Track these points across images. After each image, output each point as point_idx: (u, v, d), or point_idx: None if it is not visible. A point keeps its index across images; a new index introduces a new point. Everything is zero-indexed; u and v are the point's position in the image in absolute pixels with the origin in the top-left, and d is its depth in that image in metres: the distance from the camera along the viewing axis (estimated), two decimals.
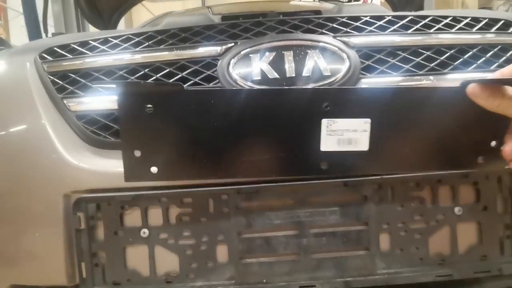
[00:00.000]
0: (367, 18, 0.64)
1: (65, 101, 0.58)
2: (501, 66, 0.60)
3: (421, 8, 1.58)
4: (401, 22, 0.63)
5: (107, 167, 0.53)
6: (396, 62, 0.59)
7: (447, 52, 0.60)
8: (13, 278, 0.56)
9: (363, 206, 0.53)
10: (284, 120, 0.43)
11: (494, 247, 0.54)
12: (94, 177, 0.53)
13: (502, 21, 0.66)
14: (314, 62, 0.56)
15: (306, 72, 0.56)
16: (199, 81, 0.58)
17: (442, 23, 0.64)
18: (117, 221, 0.53)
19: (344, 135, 0.43)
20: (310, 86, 0.55)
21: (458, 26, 0.64)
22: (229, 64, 0.57)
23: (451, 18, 0.65)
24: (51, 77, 0.60)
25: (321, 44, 0.58)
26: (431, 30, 0.63)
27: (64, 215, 0.53)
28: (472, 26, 0.64)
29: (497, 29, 0.64)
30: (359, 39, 0.60)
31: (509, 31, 0.64)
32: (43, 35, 1.55)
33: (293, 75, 0.55)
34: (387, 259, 0.53)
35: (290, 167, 0.45)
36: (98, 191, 0.53)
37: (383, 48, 0.60)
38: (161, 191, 0.52)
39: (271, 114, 0.43)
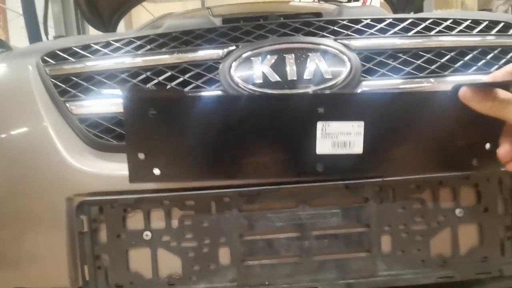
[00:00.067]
0: (368, 21, 0.64)
1: (67, 104, 0.58)
2: (501, 68, 0.60)
3: (420, 8, 1.59)
4: (402, 25, 0.64)
5: (110, 170, 0.54)
6: (397, 65, 0.59)
7: (448, 55, 0.61)
8: (16, 280, 0.56)
9: (364, 208, 0.53)
10: (282, 123, 0.45)
11: (495, 248, 0.54)
12: (96, 180, 0.53)
13: (502, 23, 0.66)
14: (315, 65, 0.56)
15: (307, 75, 0.56)
16: (201, 84, 0.58)
17: (443, 25, 0.64)
18: (120, 224, 0.54)
19: (339, 138, 0.44)
20: (311, 88, 0.55)
21: (459, 28, 0.64)
22: (230, 67, 0.57)
23: (452, 20, 0.65)
24: (53, 80, 0.60)
25: (322, 47, 0.59)
26: (432, 33, 0.63)
27: (67, 218, 0.53)
28: (473, 28, 0.65)
29: (497, 31, 0.65)
30: (360, 42, 0.61)
31: (509, 33, 0.65)
32: (44, 36, 1.56)
33: (295, 78, 0.56)
34: (388, 261, 0.53)
35: (287, 169, 0.47)
36: (101, 194, 0.53)
37: (384, 51, 0.60)
38: (163, 194, 0.52)
39: (269, 118, 0.45)
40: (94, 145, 0.56)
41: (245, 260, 0.53)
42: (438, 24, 0.65)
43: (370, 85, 0.57)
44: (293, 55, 0.57)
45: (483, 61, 0.60)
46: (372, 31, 0.63)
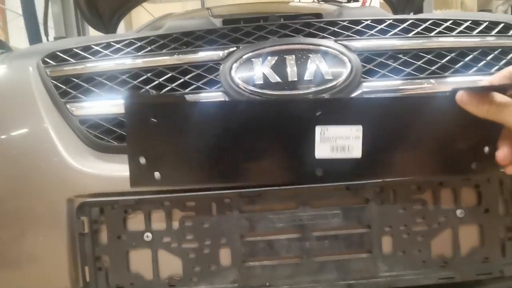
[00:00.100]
0: (368, 22, 0.64)
1: (68, 106, 0.58)
2: (501, 69, 0.60)
3: (420, 9, 1.59)
4: (402, 26, 0.64)
5: (111, 171, 0.54)
6: (397, 66, 0.59)
7: (448, 56, 0.61)
8: (17, 281, 0.56)
9: (365, 209, 0.53)
10: (281, 128, 0.45)
11: (496, 249, 0.54)
12: (97, 182, 0.53)
13: (502, 24, 0.66)
14: (316, 66, 0.56)
15: (308, 76, 0.56)
16: (202, 85, 0.58)
17: (443, 26, 0.65)
18: (121, 225, 0.54)
19: (337, 142, 0.45)
20: (312, 89, 0.55)
21: (459, 29, 0.64)
22: (231, 68, 0.58)
23: (452, 21, 0.65)
24: (54, 82, 0.60)
25: (322, 48, 0.59)
26: (432, 34, 0.63)
27: (68, 219, 0.53)
28: (473, 29, 0.65)
29: (497, 32, 0.65)
30: (360, 43, 0.61)
31: (509, 34, 0.65)
32: (44, 37, 1.56)
33: (295, 79, 0.56)
34: (389, 262, 0.53)
35: (286, 174, 0.47)
36: (102, 195, 0.53)
37: (384, 52, 0.60)
38: (164, 195, 0.53)
39: (268, 123, 0.45)
40: (94, 146, 0.56)
41: (246, 261, 0.53)
42: (438, 25, 0.65)
43: (370, 86, 0.57)
44: (293, 56, 0.57)
45: (483, 62, 0.60)
46: (372, 32, 0.63)
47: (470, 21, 0.65)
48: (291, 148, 0.46)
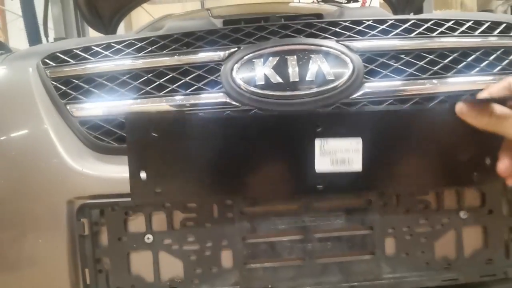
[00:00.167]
0: (370, 22, 0.64)
1: (68, 107, 0.58)
2: (504, 69, 0.60)
3: (420, 9, 1.59)
4: (404, 26, 0.64)
5: (111, 172, 0.53)
6: (399, 66, 0.59)
7: (450, 56, 0.60)
8: (16, 284, 0.55)
9: (368, 210, 0.53)
10: (281, 142, 0.46)
11: (500, 250, 0.54)
12: (97, 183, 0.53)
13: (504, 24, 0.66)
14: (317, 67, 0.56)
15: (309, 76, 0.56)
16: (203, 86, 0.58)
17: (445, 26, 0.64)
18: (121, 226, 0.53)
19: (337, 155, 0.45)
20: (314, 90, 0.55)
21: (461, 29, 0.64)
22: (232, 69, 0.57)
23: (454, 21, 0.65)
24: (54, 83, 0.60)
25: (324, 48, 0.58)
26: (434, 34, 0.63)
27: (68, 221, 0.53)
28: (475, 29, 0.64)
29: (500, 32, 0.65)
30: (362, 43, 0.60)
31: (511, 34, 0.65)
32: (43, 38, 1.55)
33: (297, 79, 0.55)
34: (392, 264, 0.53)
35: (287, 187, 0.48)
36: (102, 197, 0.53)
37: (386, 52, 0.60)
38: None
39: (268, 137, 0.46)
40: (95, 147, 0.56)
41: (248, 263, 0.53)
42: (440, 25, 0.64)
43: (372, 86, 0.57)
44: (295, 56, 0.57)
45: (486, 62, 0.60)
46: (374, 32, 0.62)
47: (472, 21, 0.65)
48: (291, 162, 0.46)
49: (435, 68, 0.59)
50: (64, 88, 0.59)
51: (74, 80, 0.60)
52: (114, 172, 0.53)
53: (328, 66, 0.56)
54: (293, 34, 0.62)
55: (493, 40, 0.63)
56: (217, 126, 0.46)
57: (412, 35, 0.62)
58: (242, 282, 0.53)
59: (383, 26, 0.63)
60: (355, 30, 0.63)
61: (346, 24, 0.63)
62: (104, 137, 0.56)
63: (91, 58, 0.62)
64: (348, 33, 0.62)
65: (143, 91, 0.58)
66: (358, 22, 0.64)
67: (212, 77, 0.58)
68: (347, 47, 0.59)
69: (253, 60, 0.57)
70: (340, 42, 0.60)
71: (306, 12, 1.38)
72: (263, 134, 0.46)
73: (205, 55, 0.60)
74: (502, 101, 0.39)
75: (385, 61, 0.59)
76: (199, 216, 0.53)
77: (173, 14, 1.76)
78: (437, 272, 0.53)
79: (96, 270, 0.54)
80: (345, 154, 0.45)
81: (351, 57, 0.58)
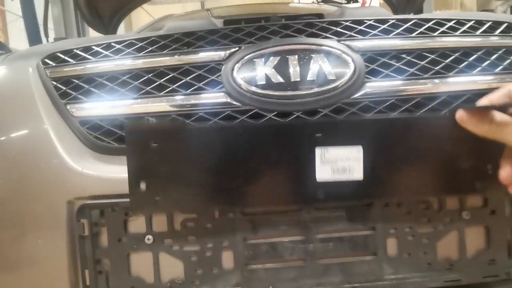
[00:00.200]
0: (371, 22, 0.63)
1: (68, 107, 0.58)
2: (505, 68, 0.60)
3: (420, 9, 1.59)
4: (405, 26, 0.63)
5: (111, 173, 0.53)
6: (401, 66, 0.58)
7: (452, 55, 0.60)
8: (16, 285, 0.55)
9: (370, 210, 0.53)
10: (281, 151, 0.46)
11: (502, 251, 0.54)
12: (97, 183, 0.53)
13: (506, 24, 0.66)
14: (318, 66, 0.56)
15: (311, 76, 0.55)
16: (203, 86, 0.57)
17: (446, 26, 0.64)
18: (121, 227, 0.53)
19: (338, 164, 0.45)
20: (315, 90, 0.55)
21: (462, 29, 0.64)
22: (233, 69, 0.57)
23: (455, 21, 0.65)
24: (54, 83, 0.60)
25: (325, 48, 0.58)
26: (435, 33, 0.63)
27: (68, 222, 0.52)
28: (476, 29, 0.64)
29: (501, 31, 0.64)
30: (363, 43, 0.60)
31: None
32: (44, 38, 1.55)
33: (298, 79, 0.55)
34: (394, 264, 0.53)
35: (288, 197, 0.48)
36: (102, 197, 0.53)
37: (388, 52, 0.60)
38: None
39: (268, 146, 0.46)
40: (95, 147, 0.56)
41: (249, 264, 0.53)
42: (442, 25, 0.64)
43: (374, 86, 0.57)
44: (296, 56, 0.57)
45: (488, 62, 0.60)
46: (375, 32, 0.62)
47: (473, 21, 0.65)
48: (292, 171, 0.46)
49: (437, 68, 0.59)
50: (64, 88, 0.59)
51: (74, 80, 0.60)
52: (114, 173, 0.53)
53: (329, 65, 0.56)
54: (294, 34, 0.62)
55: (494, 39, 0.63)
56: (217, 136, 0.46)
57: (414, 34, 0.62)
58: (243, 283, 0.52)
59: (385, 26, 0.63)
60: (356, 29, 0.62)
61: (347, 23, 0.63)
62: (104, 137, 0.56)
63: (91, 58, 0.62)
64: (349, 32, 0.62)
65: (143, 91, 0.58)
66: (359, 22, 0.63)
67: (212, 77, 0.58)
68: (348, 46, 0.59)
69: (254, 60, 0.57)
70: (341, 42, 0.60)
71: (306, 12, 1.38)
72: (263, 144, 0.46)
73: (205, 55, 0.60)
74: (502, 108, 0.39)
75: (387, 60, 0.59)
76: (200, 217, 0.53)
77: (174, 15, 1.76)
78: (440, 273, 0.53)
79: (96, 271, 0.53)
80: (346, 163, 0.45)
81: (353, 57, 0.58)
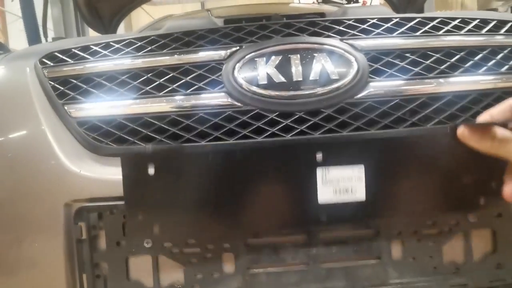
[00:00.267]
0: (374, 20, 0.62)
1: (66, 107, 0.56)
2: (511, 68, 0.59)
3: (421, 9, 1.58)
4: (409, 24, 0.62)
5: (109, 175, 0.52)
6: (405, 65, 0.57)
7: (457, 55, 0.59)
8: None
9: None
10: (282, 174, 0.45)
11: (510, 254, 0.52)
12: (96, 185, 0.52)
13: (510, 23, 0.65)
14: (321, 66, 0.55)
15: (313, 76, 0.54)
16: (204, 86, 0.56)
17: (451, 25, 0.63)
18: (120, 230, 0.52)
19: (340, 184, 0.44)
20: (318, 90, 0.54)
21: (467, 28, 0.63)
22: (234, 68, 0.56)
23: (460, 20, 0.64)
24: (52, 83, 0.59)
25: (328, 47, 0.57)
26: (440, 32, 0.62)
27: (65, 225, 0.52)
28: (481, 28, 0.63)
29: (506, 30, 0.63)
30: (366, 42, 0.59)
31: None
32: (43, 39, 1.54)
33: (300, 79, 0.54)
34: (399, 268, 0.51)
35: (290, 222, 0.47)
36: (100, 200, 0.51)
37: (391, 51, 0.59)
38: None
39: (268, 169, 0.45)
40: (93, 149, 0.55)
41: (250, 268, 0.52)
42: (446, 24, 0.63)
43: (377, 86, 0.56)
44: (298, 55, 0.56)
45: (493, 61, 0.59)
46: (378, 31, 0.61)
47: (478, 20, 0.64)
48: (293, 193, 0.45)
49: (442, 67, 0.58)
50: (62, 88, 0.58)
51: (72, 80, 0.59)
52: (112, 174, 0.51)
53: (332, 65, 0.55)
54: (296, 33, 0.61)
55: (499, 38, 0.62)
56: (216, 159, 0.45)
57: (418, 33, 0.61)
58: (245, 287, 0.51)
59: (388, 25, 0.62)
60: (360, 28, 0.61)
61: (350, 22, 0.62)
62: (102, 138, 0.55)
63: (89, 57, 0.61)
64: (352, 31, 0.61)
65: (142, 91, 0.57)
66: (362, 21, 0.62)
67: (213, 77, 0.57)
68: (352, 45, 0.58)
69: (255, 59, 0.56)
70: (344, 41, 0.59)
71: (307, 11, 1.37)
72: (263, 166, 0.45)
73: (206, 54, 0.59)
74: (504, 124, 0.39)
75: (391, 60, 0.58)
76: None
77: (174, 15, 1.75)
78: (445, 277, 0.51)
79: (94, 275, 0.52)
80: (347, 183, 0.44)
81: (356, 56, 0.57)
